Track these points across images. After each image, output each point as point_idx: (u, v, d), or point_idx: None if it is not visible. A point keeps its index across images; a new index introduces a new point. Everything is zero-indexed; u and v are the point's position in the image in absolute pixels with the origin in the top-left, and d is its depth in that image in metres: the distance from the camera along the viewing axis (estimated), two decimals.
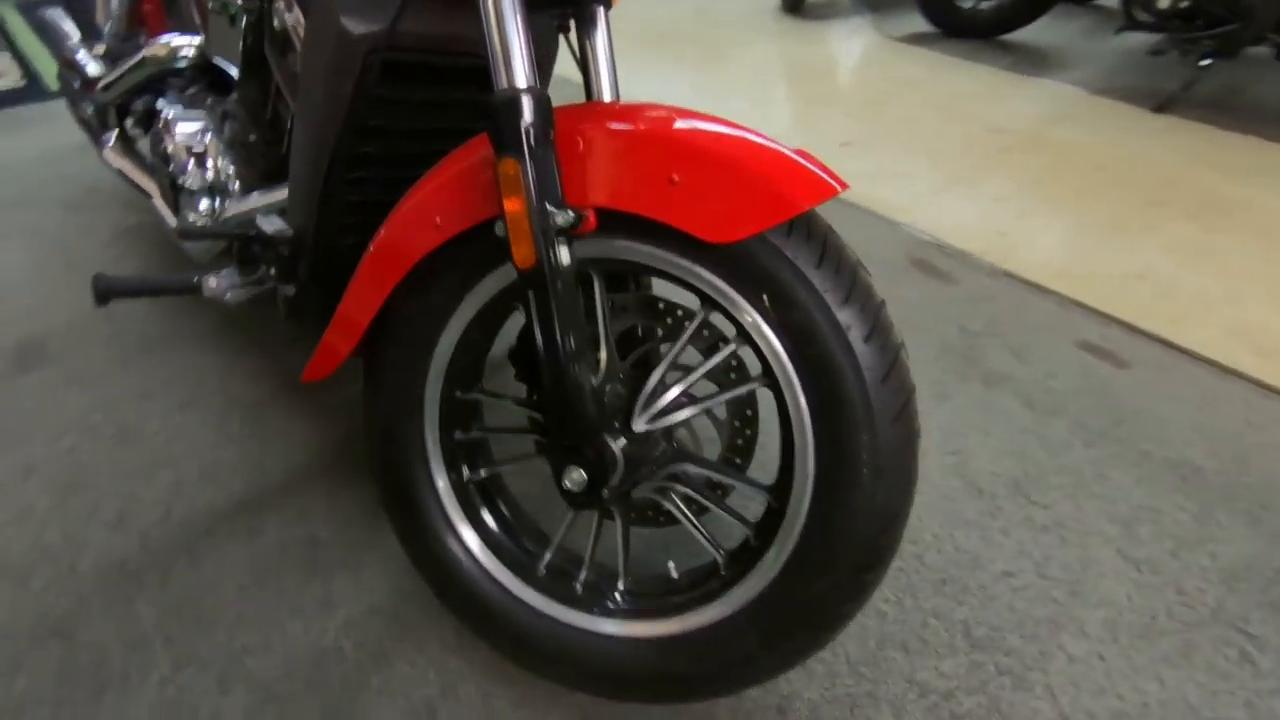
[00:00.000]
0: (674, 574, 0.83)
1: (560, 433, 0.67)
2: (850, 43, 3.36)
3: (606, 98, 0.82)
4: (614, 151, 0.64)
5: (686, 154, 0.63)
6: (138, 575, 1.00)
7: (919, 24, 3.40)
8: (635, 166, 0.64)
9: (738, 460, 0.86)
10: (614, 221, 0.66)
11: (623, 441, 0.72)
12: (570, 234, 0.64)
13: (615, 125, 0.66)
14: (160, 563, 1.01)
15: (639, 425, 0.73)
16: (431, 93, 0.82)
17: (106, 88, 1.22)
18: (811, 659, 0.91)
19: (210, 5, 0.93)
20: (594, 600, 0.82)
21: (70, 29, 1.41)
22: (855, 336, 0.64)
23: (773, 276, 0.65)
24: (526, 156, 0.60)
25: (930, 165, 2.17)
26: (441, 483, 0.83)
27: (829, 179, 0.66)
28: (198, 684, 0.87)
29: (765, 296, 0.65)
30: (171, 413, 1.25)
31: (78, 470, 1.14)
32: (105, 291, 0.88)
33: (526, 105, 0.60)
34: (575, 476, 0.68)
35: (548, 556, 0.85)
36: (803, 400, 0.66)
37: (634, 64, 3.02)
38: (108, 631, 0.93)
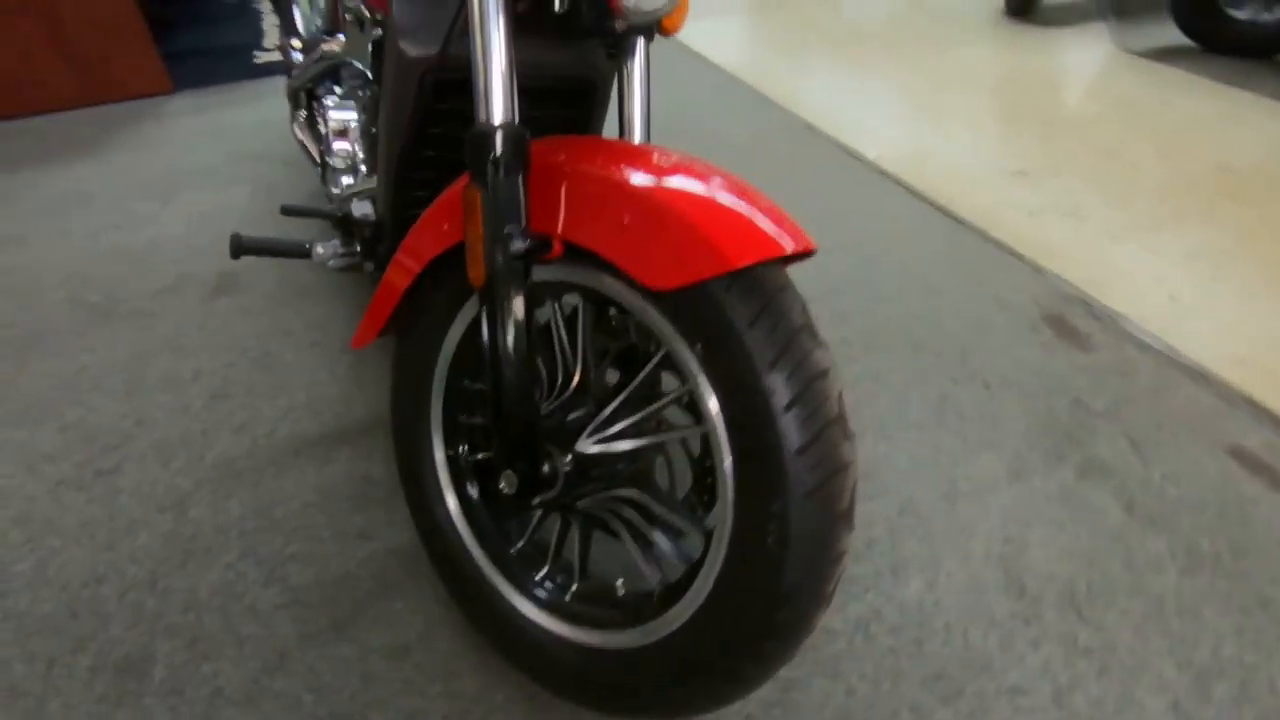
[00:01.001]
0: (620, 591, 0.86)
1: (500, 437, 0.73)
2: (1074, 54, 2.95)
3: (636, 134, 0.84)
4: (580, 188, 0.68)
5: (640, 199, 0.64)
6: (240, 475, 1.23)
7: (1172, 36, 2.89)
8: (594, 204, 0.67)
9: (706, 498, 0.87)
10: (582, 252, 0.70)
11: (567, 458, 0.76)
12: (528, 259, 0.68)
13: (589, 163, 0.69)
14: (257, 469, 1.24)
15: (584, 446, 0.76)
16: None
17: (298, 73, 1.48)
18: (756, 711, 0.90)
19: (345, 14, 1.09)
20: (545, 594, 0.88)
21: (297, 19, 1.71)
22: (777, 403, 0.62)
23: (707, 328, 0.65)
24: (489, 186, 0.66)
25: (1114, 205, 1.87)
26: (439, 455, 0.93)
27: (782, 239, 0.64)
28: (250, 574, 1.07)
29: (699, 346, 0.65)
30: (302, 349, 1.50)
31: (227, 382, 1.42)
32: (238, 248, 1.09)
33: (496, 140, 0.66)
34: (508, 479, 0.74)
35: (520, 544, 0.92)
36: (726, 455, 0.66)
37: (818, 64, 2.93)
38: (206, 515, 1.16)
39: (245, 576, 1.07)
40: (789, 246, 0.65)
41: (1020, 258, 1.71)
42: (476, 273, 0.68)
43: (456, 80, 0.86)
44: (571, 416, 0.80)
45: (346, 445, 1.28)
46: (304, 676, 0.95)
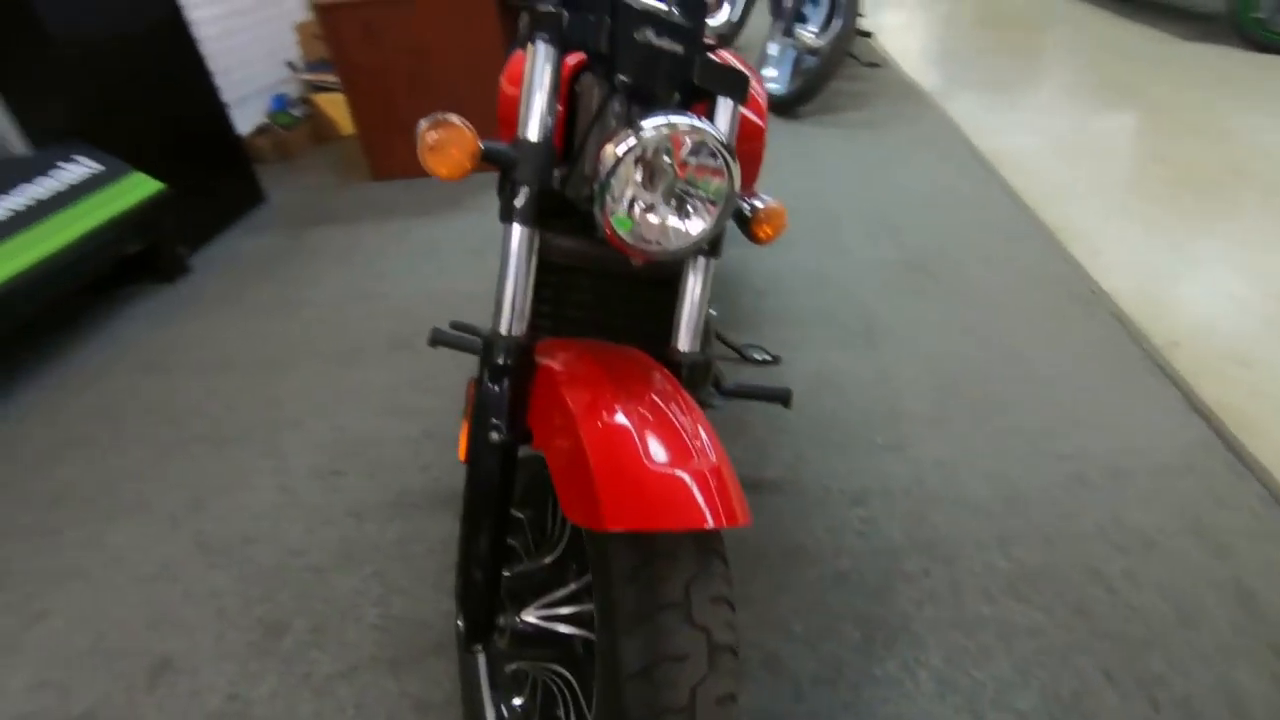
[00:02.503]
0: None
1: (464, 589, 0.85)
2: None
3: (680, 342, 0.89)
4: (554, 400, 0.76)
5: (575, 432, 0.71)
6: (407, 506, 1.56)
7: None
8: (555, 420, 0.75)
9: None
10: None
11: (514, 621, 0.85)
12: (506, 450, 0.80)
13: (571, 379, 0.77)
14: (419, 506, 1.56)
15: (528, 614, 0.85)
16: (572, 282, 1.04)
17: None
18: None
19: None
20: None
21: None
22: (624, 668, 0.64)
23: (597, 566, 0.69)
24: (484, 384, 0.80)
25: None
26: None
27: (690, 511, 0.64)
28: (372, 591, 1.37)
29: (591, 576, 0.70)
30: None
31: (437, 424, 1.80)
32: (435, 340, 1.40)
33: (496, 349, 0.79)
34: (459, 623, 0.86)
35: (514, 666, 1.03)
36: (597, 679, 0.69)
37: (1158, 212, 2.43)
38: (372, 531, 1.51)
39: (368, 592, 1.37)
40: (701, 520, 0.64)
41: None
42: (462, 450, 0.82)
43: (553, 263, 1.02)
44: (536, 581, 0.89)
45: None
46: (355, 694, 1.19)
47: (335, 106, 3.92)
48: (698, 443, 0.72)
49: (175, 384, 2.07)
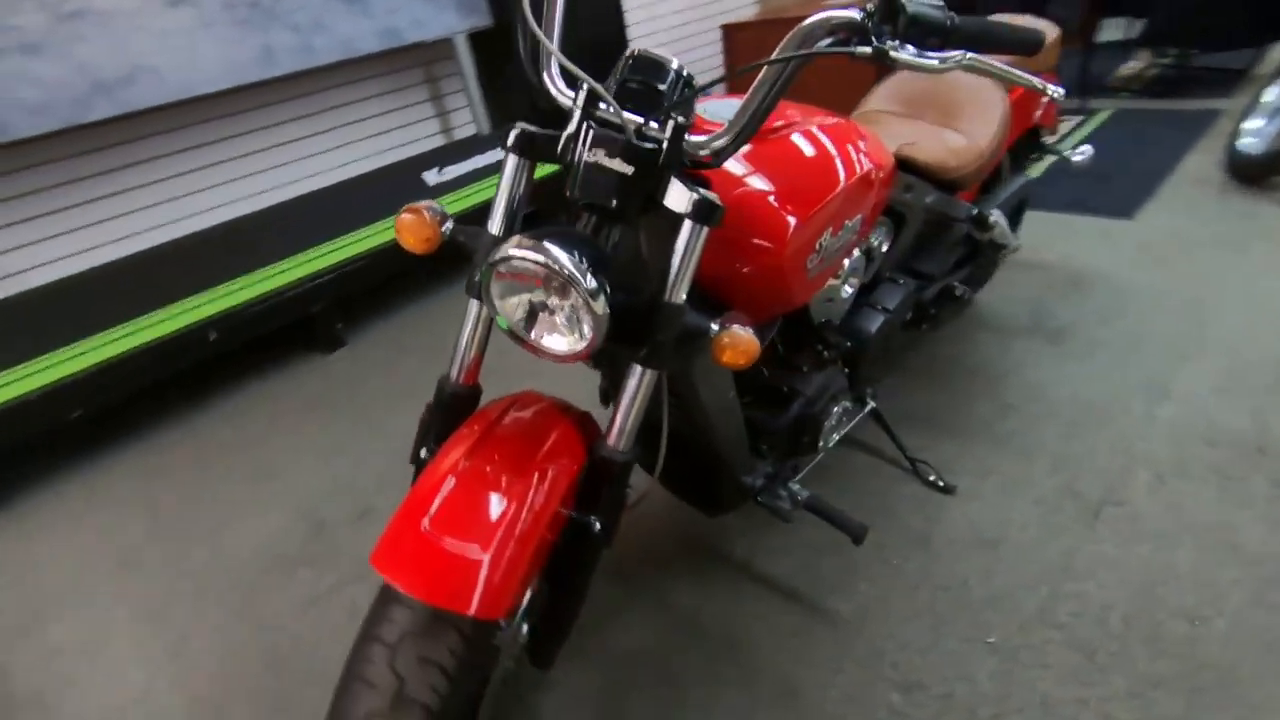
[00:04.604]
0: None
1: None
2: None
3: (610, 439, 0.92)
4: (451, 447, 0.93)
5: (426, 475, 0.86)
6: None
7: None
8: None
9: None
10: None
11: None
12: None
13: (465, 436, 0.91)
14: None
15: None
16: None
17: None
18: None
19: None
20: None
21: None
22: (343, 670, 0.81)
23: None
24: (430, 411, 1.00)
25: None
26: None
27: (449, 588, 0.76)
28: None
29: None
30: None
31: None
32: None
33: (444, 389, 0.98)
34: None
35: None
36: None
37: None
38: None
39: None
40: (438, 598, 0.75)
41: None
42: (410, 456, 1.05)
43: None
44: None
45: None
46: None
47: None
48: (503, 529, 0.81)
49: None
